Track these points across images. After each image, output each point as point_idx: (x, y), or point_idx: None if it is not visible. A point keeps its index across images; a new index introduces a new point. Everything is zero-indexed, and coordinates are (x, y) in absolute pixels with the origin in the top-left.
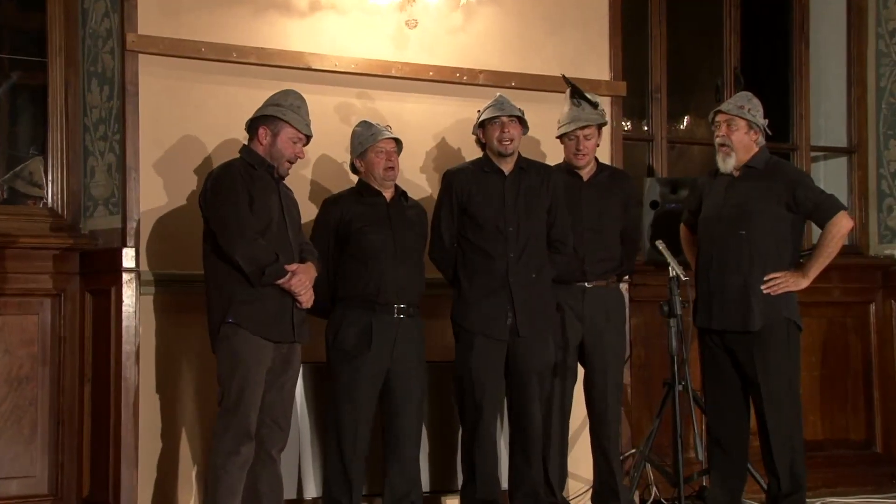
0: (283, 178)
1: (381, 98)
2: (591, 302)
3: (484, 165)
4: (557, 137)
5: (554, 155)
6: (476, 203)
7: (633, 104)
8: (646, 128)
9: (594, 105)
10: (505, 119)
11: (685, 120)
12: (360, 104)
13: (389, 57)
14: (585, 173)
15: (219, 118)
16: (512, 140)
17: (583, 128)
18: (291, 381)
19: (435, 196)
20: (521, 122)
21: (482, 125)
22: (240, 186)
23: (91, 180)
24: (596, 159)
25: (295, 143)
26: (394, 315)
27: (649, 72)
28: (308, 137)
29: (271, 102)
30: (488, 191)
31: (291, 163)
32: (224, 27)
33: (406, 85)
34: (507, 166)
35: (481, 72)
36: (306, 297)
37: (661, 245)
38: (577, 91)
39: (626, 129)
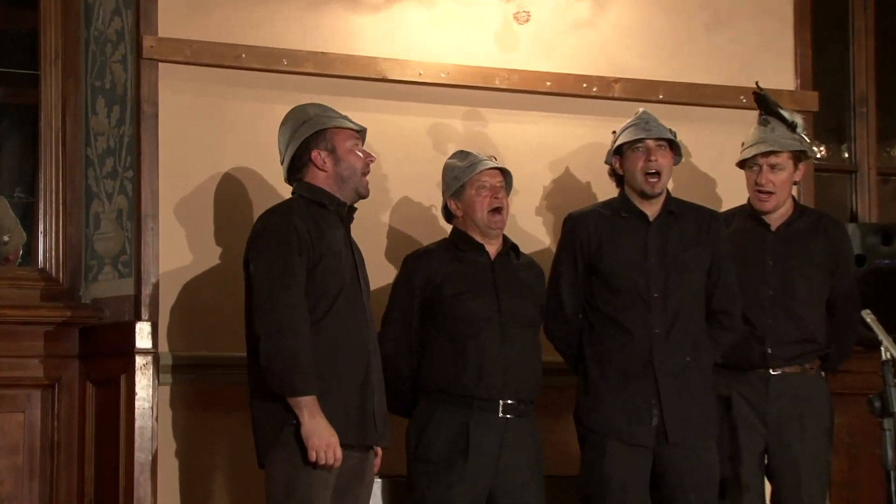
0: (364, 197)
1: (480, 118)
2: (778, 395)
3: (620, 208)
4: (738, 165)
5: (729, 194)
6: (609, 259)
7: (828, 122)
8: (846, 154)
9: (791, 126)
10: (651, 144)
11: None
12: (453, 126)
13: (492, 62)
14: (775, 219)
15: (265, 147)
16: (660, 173)
17: (767, 154)
18: (363, 502)
19: (555, 249)
20: (674, 147)
21: (619, 152)
22: (296, 246)
23: (95, 232)
24: (794, 200)
25: (357, 144)
26: (499, 414)
27: (850, 78)
28: (361, 133)
29: (297, 124)
30: (626, 242)
31: (366, 175)
32: (271, 27)
33: (515, 100)
34: (651, 209)
35: (617, 80)
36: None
37: (869, 317)
38: (764, 103)
39: (818, 156)
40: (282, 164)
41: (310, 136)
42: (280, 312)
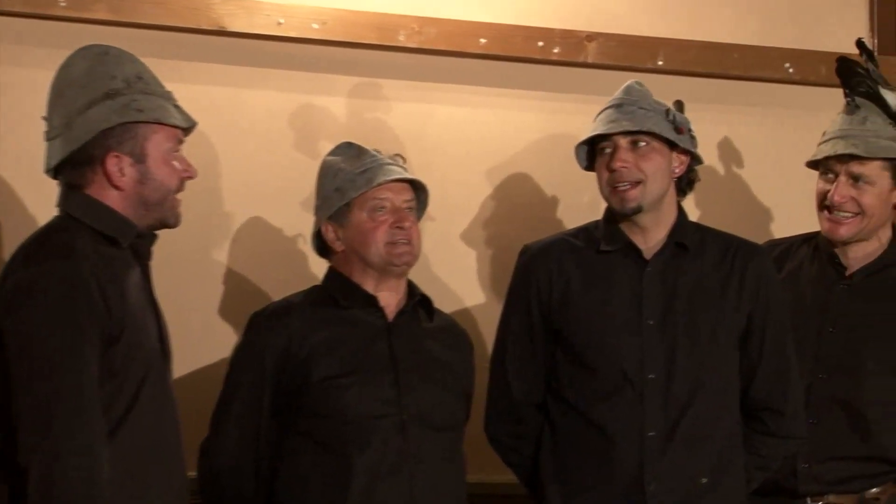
0: (171, 227)
1: (375, 94)
2: None
3: (601, 239)
4: (810, 166)
5: (784, 218)
6: (578, 317)
7: None
8: None
9: (894, 116)
10: (621, 141)
11: None
12: (331, 108)
13: (394, 7)
14: (854, 259)
15: (23, 135)
16: (639, 184)
17: (846, 158)
18: None
19: (498, 306)
20: (670, 144)
21: (590, 151)
22: (87, 317)
23: None
24: (894, 233)
25: (175, 149)
26: None
27: None
28: (187, 131)
29: (97, 93)
30: (606, 292)
31: (179, 191)
32: None
33: (431, 66)
34: (646, 240)
35: (592, 37)
36: None
37: None
38: (847, 75)
39: None
40: (48, 139)
41: (109, 126)
42: (66, 427)
